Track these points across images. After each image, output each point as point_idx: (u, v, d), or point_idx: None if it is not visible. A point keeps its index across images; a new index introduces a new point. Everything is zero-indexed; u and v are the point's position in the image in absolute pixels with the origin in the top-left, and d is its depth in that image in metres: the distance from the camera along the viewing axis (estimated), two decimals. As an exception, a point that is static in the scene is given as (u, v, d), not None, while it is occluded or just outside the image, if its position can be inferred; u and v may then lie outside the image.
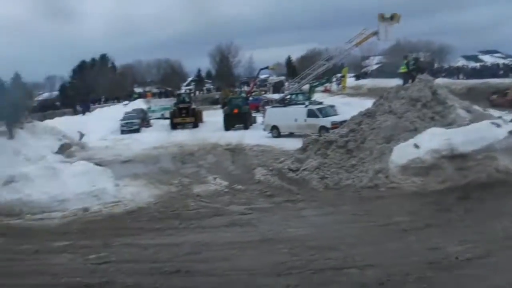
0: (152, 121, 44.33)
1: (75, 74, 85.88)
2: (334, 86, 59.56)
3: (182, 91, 63.93)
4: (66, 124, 35.50)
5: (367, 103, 21.91)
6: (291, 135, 27.99)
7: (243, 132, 32.51)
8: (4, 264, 10.68)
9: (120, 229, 12.91)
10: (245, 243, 10.99)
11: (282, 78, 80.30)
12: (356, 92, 53.98)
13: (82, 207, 15.12)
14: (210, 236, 11.66)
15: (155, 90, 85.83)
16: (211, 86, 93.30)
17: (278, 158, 20.58)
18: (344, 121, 20.86)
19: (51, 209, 15.15)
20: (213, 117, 41.97)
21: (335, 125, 23.84)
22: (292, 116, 28.36)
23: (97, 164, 18.92)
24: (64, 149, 27.43)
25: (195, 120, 38.81)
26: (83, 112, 50.59)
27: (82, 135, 32.56)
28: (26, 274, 10.01)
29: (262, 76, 72.97)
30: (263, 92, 65.07)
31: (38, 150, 24.65)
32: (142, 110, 45.29)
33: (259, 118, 37.06)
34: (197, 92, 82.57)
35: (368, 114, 18.54)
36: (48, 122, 34.03)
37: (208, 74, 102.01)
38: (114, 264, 10.26)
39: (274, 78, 78.14)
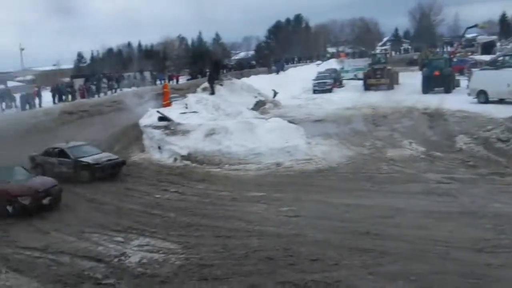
0: (344, 82, 43.89)
1: (270, 34, 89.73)
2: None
3: (377, 51, 61.57)
4: (261, 82, 37.47)
5: None
6: (501, 101, 24.88)
7: (443, 96, 29.76)
8: (207, 207, 11.99)
9: (311, 185, 13.29)
10: (443, 213, 10.32)
11: (494, 37, 71.05)
12: None
13: (275, 161, 15.95)
14: (404, 202, 11.20)
15: (348, 50, 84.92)
16: (409, 47, 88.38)
17: (485, 126, 18.32)
18: None
19: (247, 161, 16.37)
20: (410, 79, 39.51)
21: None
22: (505, 80, 24.96)
23: (290, 121, 19.48)
24: (259, 106, 29.19)
25: (390, 82, 37.05)
26: (277, 71, 52.49)
27: (275, 93, 33.99)
28: (225, 218, 11.08)
29: (468, 36, 65.93)
30: (469, 53, 58.75)
31: (236, 106, 26.69)
32: (335, 70, 45.06)
33: (463, 81, 33.69)
34: (393, 53, 79.00)
35: None
36: (245, 80, 36.32)
37: (406, 34, 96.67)
38: (304, 218, 10.65)
39: (483, 38, 69.34)
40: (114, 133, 23.70)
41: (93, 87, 38.46)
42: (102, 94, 38.31)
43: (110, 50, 74.23)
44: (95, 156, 16.08)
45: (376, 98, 31.19)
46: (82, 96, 36.14)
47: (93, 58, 78.08)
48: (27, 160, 16.25)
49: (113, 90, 40.72)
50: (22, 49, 58.99)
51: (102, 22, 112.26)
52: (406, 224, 9.81)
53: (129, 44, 77.62)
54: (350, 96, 33.09)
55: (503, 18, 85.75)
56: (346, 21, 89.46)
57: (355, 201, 11.45)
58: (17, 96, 31.49)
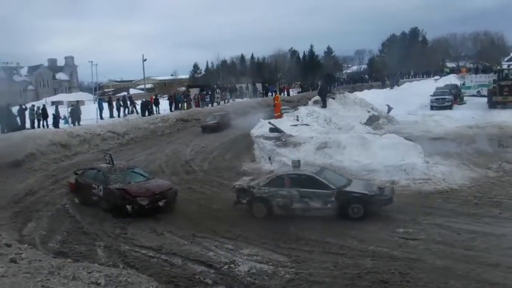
0: (466, 98, 41.31)
1: (384, 47, 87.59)
2: None
3: (504, 66, 57.07)
4: (374, 97, 36.58)
5: None
6: None
7: None
8: (317, 223, 11.50)
9: (429, 207, 12.38)
10: None
11: None
12: None
13: (390, 179, 15.20)
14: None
15: (469, 65, 79.83)
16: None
17: None
18: None
19: (360, 177, 15.64)
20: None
21: None
22: None
23: (406, 138, 18.54)
24: (372, 121, 28.39)
25: (519, 100, 34.13)
26: (391, 86, 50.94)
27: (390, 109, 32.88)
28: (336, 235, 10.63)
29: None
30: None
31: (348, 120, 26.16)
32: (455, 86, 42.57)
33: None
34: (522, 69, 72.84)
35: None
36: (357, 94, 35.57)
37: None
38: (423, 242, 9.95)
39: None
40: (225, 142, 24.52)
41: (207, 97, 40.16)
42: (215, 104, 39.91)
43: (224, 62, 77.28)
44: (358, 184, 12.79)
45: (503, 117, 28.83)
46: (197, 105, 38.05)
47: (207, 69, 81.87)
48: (235, 192, 13.26)
49: (226, 100, 42.23)
50: (144, 60, 63.72)
51: (218, 35, 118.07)
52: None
53: (242, 56, 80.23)
54: (473, 114, 30.96)
55: None
56: (468, 34, 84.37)
57: (482, 228, 10.42)
58: (138, 102, 33.92)
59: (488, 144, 20.45)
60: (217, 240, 10.75)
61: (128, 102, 32.66)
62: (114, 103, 31.23)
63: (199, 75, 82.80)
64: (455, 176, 15.30)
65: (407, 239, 10.14)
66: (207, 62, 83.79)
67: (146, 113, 32.09)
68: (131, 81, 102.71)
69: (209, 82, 51.61)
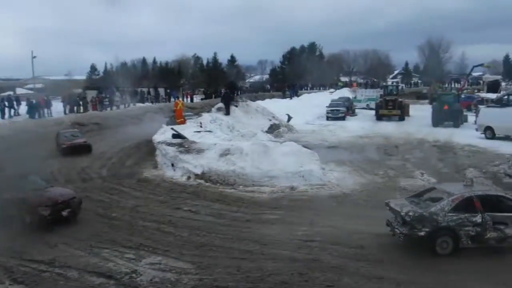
0: (357, 110, 44.30)
1: (285, 59, 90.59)
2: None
3: (389, 83, 62.18)
4: (275, 106, 37.85)
5: None
6: (507, 138, 25.09)
7: (452, 130, 30.05)
8: (221, 228, 11.86)
9: (325, 211, 13.18)
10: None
11: (498, 77, 72.56)
12: None
13: (290, 185, 15.86)
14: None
15: (360, 80, 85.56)
16: (418, 81, 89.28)
17: (492, 161, 18.82)
18: None
19: (261, 184, 16.25)
20: (420, 111, 39.93)
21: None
22: (511, 118, 25.42)
23: (305, 146, 19.49)
24: (273, 129, 29.33)
25: (402, 113, 37.48)
26: (291, 96, 52.88)
27: (290, 118, 34.22)
28: (240, 240, 10.96)
29: (475, 74, 67.23)
30: (476, 91, 59.74)
31: (250, 127, 26.81)
32: (348, 99, 45.46)
33: (470, 117, 34.08)
34: (403, 85, 79.65)
35: None
36: (259, 103, 36.58)
37: (416, 68, 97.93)
38: (319, 243, 10.55)
39: (488, 77, 71.00)
40: (126, 148, 23.83)
41: (106, 100, 38.78)
42: (114, 108, 38.64)
43: (124, 64, 74.82)
44: None
45: (388, 128, 31.49)
46: (94, 108, 36.51)
47: (106, 71, 78.70)
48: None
49: (126, 104, 41.07)
50: (34, 57, 59.47)
51: (117, 35, 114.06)
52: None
53: (144, 60, 78.35)
54: (363, 125, 33.40)
55: (507, 59, 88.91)
56: (359, 51, 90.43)
57: (371, 229, 11.29)
58: (25, 103, 31.60)
59: (375, 152, 22.32)
60: (117, 250, 10.40)
61: (15, 103, 30.41)
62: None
63: (97, 77, 79.20)
64: (348, 181, 16.42)
65: (306, 241, 10.69)
66: (106, 64, 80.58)
67: (36, 115, 30.05)
68: (18, 79, 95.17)
69: (108, 85, 49.68)
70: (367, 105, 46.51)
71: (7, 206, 11.94)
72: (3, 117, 28.17)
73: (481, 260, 9.35)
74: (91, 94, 40.00)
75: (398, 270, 8.98)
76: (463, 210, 9.66)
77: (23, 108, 30.64)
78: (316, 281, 8.58)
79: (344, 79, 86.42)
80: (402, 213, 9.72)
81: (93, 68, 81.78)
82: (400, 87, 51.47)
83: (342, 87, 67.06)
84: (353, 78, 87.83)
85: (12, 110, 29.53)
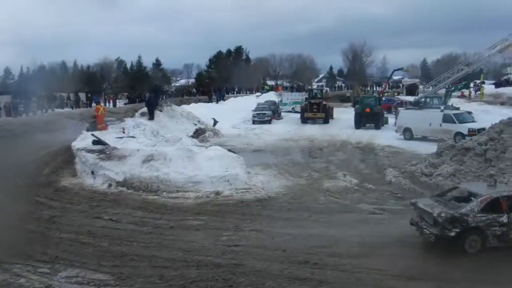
0: (283, 114, 44.99)
1: (211, 63, 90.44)
2: (472, 92, 55.31)
3: (314, 86, 63.92)
4: (201, 110, 37.57)
5: (508, 112, 21.85)
6: (424, 138, 26.63)
7: (373, 132, 31.61)
8: (143, 236, 11.51)
9: (250, 215, 13.21)
10: (376, 243, 10.57)
11: (416, 80, 77.03)
12: (495, 100, 49.72)
13: (215, 190, 15.70)
14: (340, 232, 11.38)
15: (286, 84, 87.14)
16: (342, 84, 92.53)
17: (410, 161, 19.74)
18: (483, 129, 19.94)
19: (186, 189, 15.97)
20: (343, 114, 41.48)
21: (472, 132, 22.66)
22: (427, 119, 27.01)
23: (230, 150, 19.46)
24: (199, 134, 29.08)
25: (326, 116, 38.55)
26: (217, 100, 52.83)
27: (215, 122, 34.09)
28: (162, 247, 10.69)
29: (395, 77, 71.00)
30: (396, 94, 63.00)
31: (175, 132, 26.43)
32: (274, 103, 46.07)
33: (391, 119, 35.83)
34: (328, 89, 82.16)
35: (510, 123, 16.72)
36: (185, 107, 36.21)
37: (340, 72, 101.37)
38: (244, 247, 10.53)
39: (407, 80, 75.20)
40: (43, 155, 22.50)
41: (21, 106, 36.58)
42: (31, 114, 36.51)
43: (42, 67, 71.00)
44: None
45: (313, 131, 32.37)
46: (8, 115, 34.29)
47: (22, 74, 74.31)
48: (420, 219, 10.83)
49: (44, 110, 38.94)
50: None
51: (34, 37, 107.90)
52: (342, 253, 9.99)
53: (63, 63, 74.86)
54: (288, 128, 34.06)
55: (424, 64, 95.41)
56: (285, 55, 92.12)
57: (294, 231, 11.49)
58: None
59: (300, 155, 22.82)
60: (30, 265, 9.76)
61: None
62: None
63: (12, 81, 74.54)
64: (273, 185, 16.55)
65: (230, 246, 10.62)
66: (21, 67, 76.02)
67: None
68: None
69: (23, 89, 46.91)
70: (293, 108, 47.38)
71: None
72: None
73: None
74: (4, 99, 37.47)
75: (321, 271, 9.11)
76: (490, 211, 9.90)
77: None
78: (240, 286, 8.57)
79: (270, 82, 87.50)
80: (434, 214, 9.90)
81: (7, 72, 76.88)
82: (324, 91, 52.93)
83: (268, 90, 67.93)
84: (279, 82, 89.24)
85: None
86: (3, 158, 21.54)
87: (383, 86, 62.21)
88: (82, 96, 48.50)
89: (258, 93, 63.89)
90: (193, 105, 41.72)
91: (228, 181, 16.15)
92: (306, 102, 40.77)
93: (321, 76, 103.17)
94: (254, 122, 38.51)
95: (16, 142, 26.55)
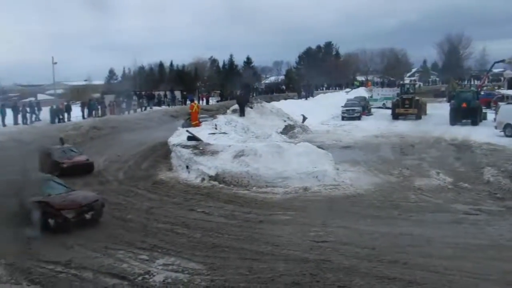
0: (373, 110, 44.02)
1: (301, 60, 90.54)
2: None
3: (406, 81, 61.57)
4: (290, 106, 37.76)
5: None
6: (527, 136, 24.74)
7: (470, 128, 29.85)
8: (233, 229, 11.93)
9: (338, 211, 13.18)
10: (471, 244, 10.16)
11: (520, 73, 71.18)
12: None
13: (303, 186, 15.87)
14: (432, 232, 11.04)
15: (377, 79, 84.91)
16: (437, 78, 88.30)
17: (511, 159, 18.50)
18: None
19: (275, 184, 16.30)
20: (437, 110, 39.71)
21: None
22: (531, 115, 25.07)
23: (319, 147, 19.46)
24: (288, 130, 29.32)
25: (418, 112, 37.09)
26: (306, 97, 52.78)
27: (304, 118, 34.16)
28: (251, 241, 11.01)
29: (495, 70, 66.21)
30: (496, 88, 58.70)
31: (265, 128, 26.86)
32: (364, 98, 45.24)
33: (490, 114, 33.52)
34: (421, 84, 78.80)
35: None
36: (274, 104, 36.63)
37: (434, 66, 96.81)
38: (331, 244, 10.54)
39: (509, 73, 69.66)
40: (142, 151, 24.11)
41: (124, 104, 39.21)
42: (132, 111, 39.07)
43: (141, 68, 75.50)
44: None
45: (404, 127, 31.34)
46: (112, 112, 36.97)
47: (124, 75, 79.51)
48: None
49: (143, 108, 41.49)
50: (54, 63, 60.11)
51: (135, 40, 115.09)
52: (434, 254, 9.67)
53: (160, 63, 78.95)
54: (378, 124, 33.23)
55: None
56: (376, 50, 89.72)
57: (383, 229, 11.30)
58: (46, 109, 32.18)
59: (391, 152, 22.23)
60: (131, 251, 10.53)
61: (36, 108, 30.97)
62: (20, 109, 29.31)
63: (115, 81, 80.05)
64: (362, 181, 16.35)
65: (318, 241, 10.68)
66: (124, 68, 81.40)
67: (56, 120, 30.63)
68: (40, 85, 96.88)
69: (125, 89, 50.19)
70: (384, 104, 46.23)
71: (30, 209, 12.02)
72: (25, 123, 28.67)
73: None
74: (109, 98, 40.44)
75: (411, 271, 8.88)
76: None
77: (44, 113, 31.18)
78: (327, 282, 8.56)
79: (360, 78, 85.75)
80: None
81: (112, 73, 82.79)
82: (417, 85, 50.86)
83: (358, 86, 66.63)
84: (369, 77, 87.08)
85: (34, 116, 30.04)
86: (107, 153, 23.45)
87: (482, 79, 58.32)
88: (178, 94, 50.82)
89: (348, 89, 62.92)
90: (282, 101, 42.05)
91: (316, 177, 16.23)
92: (397, 98, 39.49)
93: (414, 70, 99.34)
94: (343, 119, 38.12)
95: (119, 138, 28.72)
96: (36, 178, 13.94)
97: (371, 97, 49.42)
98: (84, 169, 19.42)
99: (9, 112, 28.89)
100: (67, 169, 18.63)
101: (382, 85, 70.83)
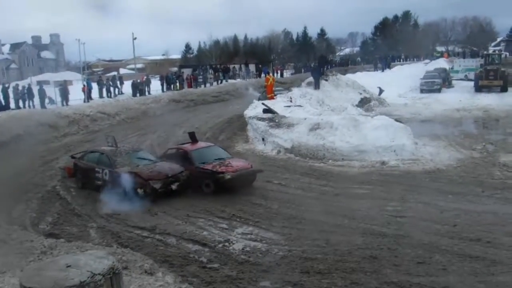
0: (454, 82, 41.85)
1: (377, 30, 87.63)
2: None
3: (490, 51, 57.74)
4: (366, 79, 36.92)
5: None
6: None
7: None
8: (310, 201, 12.04)
9: (417, 186, 12.88)
10: None
11: None
12: None
13: (380, 160, 15.66)
14: (518, 210, 10.49)
15: (458, 50, 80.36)
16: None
17: None
18: None
19: (351, 158, 16.21)
20: (527, 82, 36.91)
21: None
22: None
23: (397, 120, 18.97)
24: (364, 103, 28.76)
25: (504, 84, 34.64)
26: (383, 69, 51.24)
27: (381, 91, 33.30)
28: (328, 213, 11.07)
29: None
30: None
31: (340, 101, 26.54)
32: (444, 70, 43.01)
33: None
34: (507, 54, 73.51)
35: None
36: (350, 76, 35.91)
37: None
38: (410, 219, 10.37)
39: None
40: (218, 123, 24.72)
41: (200, 77, 40.08)
42: (208, 85, 39.91)
43: (217, 42, 76.71)
44: None
45: (488, 100, 29.67)
46: (189, 86, 37.95)
47: (200, 49, 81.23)
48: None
49: (219, 81, 42.24)
50: (134, 38, 62.40)
51: (210, 14, 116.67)
52: (520, 233, 9.22)
53: (235, 37, 79.73)
54: (460, 97, 31.63)
55: None
56: (457, 19, 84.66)
57: (465, 206, 10.93)
58: (128, 83, 33.67)
59: (473, 126, 21.21)
60: (211, 220, 10.95)
61: (118, 82, 32.50)
62: (103, 83, 30.89)
63: (191, 55, 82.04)
64: (442, 156, 15.81)
65: (396, 216, 10.55)
66: (199, 42, 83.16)
67: (137, 93, 32.01)
68: (121, 60, 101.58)
69: (202, 63, 51.29)
70: (465, 76, 43.65)
71: (121, 179, 12.75)
72: (109, 96, 30.30)
73: None
74: (186, 72, 41.51)
75: (495, 250, 8.54)
76: None
77: (126, 87, 32.68)
78: (406, 257, 8.44)
79: (440, 48, 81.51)
80: None
81: (188, 47, 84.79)
82: (503, 56, 47.47)
83: (438, 57, 63.45)
84: (450, 48, 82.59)
85: (117, 89, 31.58)
86: (186, 126, 24.28)
87: None
88: (252, 67, 51.17)
89: (427, 60, 60.12)
90: (358, 74, 41.21)
91: (394, 151, 15.93)
92: (481, 69, 37.19)
93: (499, 39, 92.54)
94: (422, 91, 36.60)
95: (197, 111, 29.60)
96: (126, 149, 14.71)
97: (452, 68, 46.90)
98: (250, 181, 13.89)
99: (94, 87, 30.54)
100: (229, 182, 13.06)
101: (464, 55, 66.92)
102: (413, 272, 7.88)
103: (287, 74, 53.70)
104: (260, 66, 51.78)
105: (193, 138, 14.96)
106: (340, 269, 8.16)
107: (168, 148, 15.50)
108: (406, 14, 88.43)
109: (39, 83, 34.51)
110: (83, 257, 3.19)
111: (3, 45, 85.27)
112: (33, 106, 25.36)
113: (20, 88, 25.67)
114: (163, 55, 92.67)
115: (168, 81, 35.97)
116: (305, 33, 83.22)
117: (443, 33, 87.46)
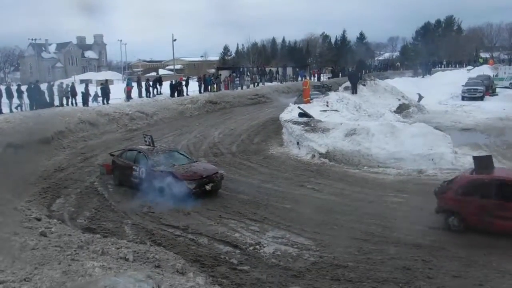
0: (498, 90, 40.44)
1: (418, 35, 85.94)
2: None
3: (538, 59, 55.69)
4: (405, 85, 36.19)
5: None
6: None
7: None
8: (343, 207, 11.84)
9: (455, 197, 12.43)
10: None
11: None
12: None
13: (417, 168, 15.24)
14: None
15: (503, 56, 77.75)
16: None
17: None
18: None
19: (387, 165, 15.88)
20: None
21: None
22: None
23: (436, 128, 18.49)
24: (402, 109, 28.20)
25: (552, 93, 33.49)
26: (423, 74, 50.17)
27: (420, 97, 32.61)
28: (361, 221, 10.85)
29: None
30: None
31: (378, 107, 26.09)
32: (488, 77, 41.62)
33: None
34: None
35: None
36: (388, 82, 35.29)
37: None
38: (446, 231, 10.05)
39: None
40: (254, 125, 24.80)
41: (237, 80, 40.26)
42: (245, 87, 40.08)
43: (254, 44, 77.02)
44: None
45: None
46: (226, 88, 38.23)
47: (238, 51, 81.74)
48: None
49: (256, 84, 42.34)
50: (174, 40, 63.39)
51: (249, 17, 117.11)
52: None
53: (273, 39, 79.85)
54: (504, 106, 30.46)
55: None
56: (504, 24, 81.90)
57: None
58: (167, 83, 34.16)
59: (518, 136, 20.36)
60: (243, 222, 10.99)
61: (157, 82, 33.00)
62: (143, 83, 31.44)
63: (229, 57, 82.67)
64: (483, 167, 15.23)
65: (432, 228, 10.27)
66: (237, 44, 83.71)
67: (175, 94, 32.43)
68: (160, 61, 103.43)
69: (239, 65, 51.53)
70: (511, 83, 42.25)
71: (156, 177, 12.97)
72: (148, 96, 30.82)
73: None
74: (224, 74, 41.83)
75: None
76: None
77: (164, 87, 33.17)
78: (441, 270, 8.22)
79: (484, 55, 79.08)
80: None
81: (226, 49, 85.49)
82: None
83: (482, 64, 61.59)
84: (495, 54, 79.98)
85: (155, 89, 32.09)
86: (222, 127, 24.49)
87: None
88: (289, 70, 51.07)
89: (470, 67, 58.43)
90: (397, 79, 40.42)
91: (432, 159, 15.50)
92: (530, 77, 35.91)
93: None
94: (463, 98, 35.52)
95: (233, 113, 29.81)
96: (162, 148, 14.97)
97: (496, 75, 45.40)
98: None
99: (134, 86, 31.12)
100: None
101: (510, 62, 64.66)
102: (447, 285, 7.70)
103: (324, 78, 53.28)
104: (297, 69, 51.63)
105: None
106: (372, 278, 8.03)
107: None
108: (449, 19, 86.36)
109: (83, 81, 35.46)
110: (122, 280, 3.20)
111: (49, 44, 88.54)
112: (76, 103, 26.08)
113: (64, 86, 26.52)
114: (202, 56, 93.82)
115: (205, 82, 36.31)
116: (343, 37, 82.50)
117: (488, 39, 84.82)
